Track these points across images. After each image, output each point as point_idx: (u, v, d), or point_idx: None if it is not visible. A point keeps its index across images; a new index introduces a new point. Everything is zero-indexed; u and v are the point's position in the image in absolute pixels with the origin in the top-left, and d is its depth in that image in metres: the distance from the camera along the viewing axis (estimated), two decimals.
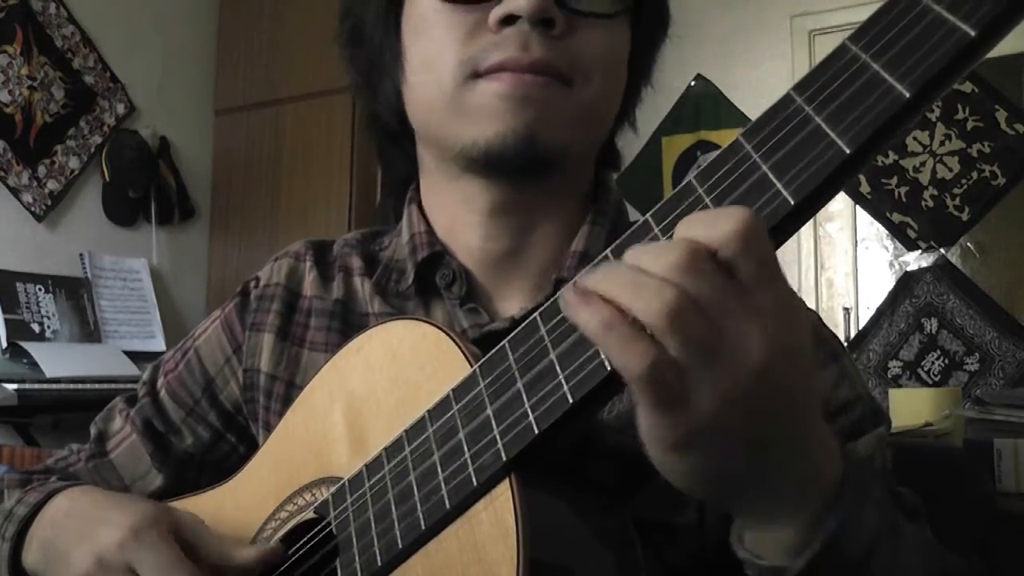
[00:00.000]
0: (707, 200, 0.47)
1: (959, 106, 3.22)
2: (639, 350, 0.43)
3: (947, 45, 0.43)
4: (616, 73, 0.74)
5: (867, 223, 3.39)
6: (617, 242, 0.50)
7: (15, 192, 3.03)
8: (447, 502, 0.55)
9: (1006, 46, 0.44)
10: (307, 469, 0.69)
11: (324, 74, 3.11)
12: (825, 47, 3.38)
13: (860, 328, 3.36)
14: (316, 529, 0.65)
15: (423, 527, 0.56)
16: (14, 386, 2.56)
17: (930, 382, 3.22)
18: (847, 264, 3.43)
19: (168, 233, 3.51)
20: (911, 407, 1.78)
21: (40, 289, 2.98)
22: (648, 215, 0.49)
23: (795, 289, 0.73)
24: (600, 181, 0.80)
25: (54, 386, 2.68)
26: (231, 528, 0.72)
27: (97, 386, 2.72)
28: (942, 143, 3.25)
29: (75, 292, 3.09)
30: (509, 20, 0.67)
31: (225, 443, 0.85)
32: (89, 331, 3.07)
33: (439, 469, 0.56)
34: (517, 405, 0.52)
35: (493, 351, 0.55)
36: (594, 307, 0.44)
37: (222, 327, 0.85)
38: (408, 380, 0.63)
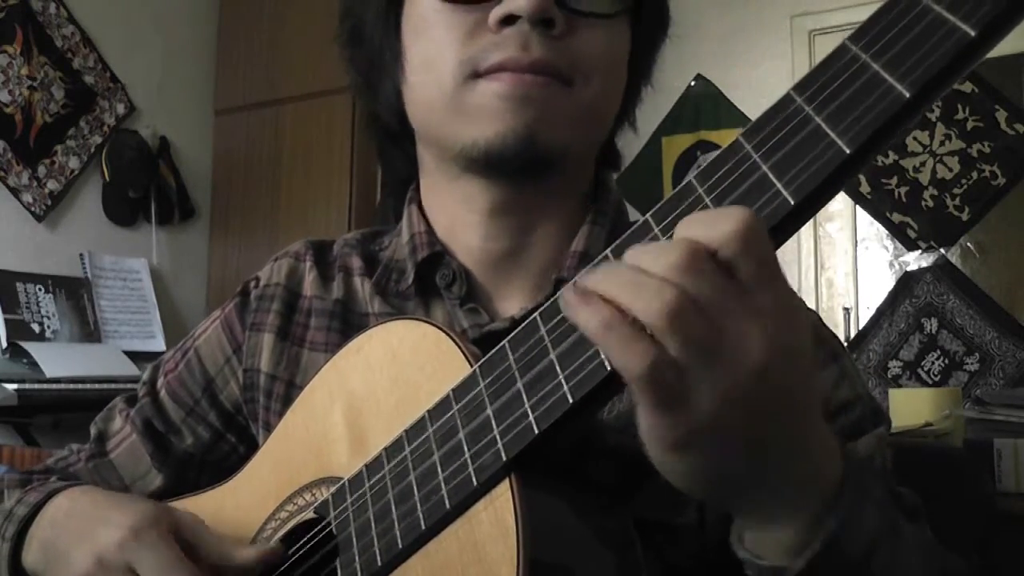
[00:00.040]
0: (707, 200, 0.47)
1: (959, 106, 3.22)
2: (639, 350, 0.43)
3: (947, 45, 0.43)
4: (616, 73, 0.74)
5: (867, 223, 3.39)
6: (617, 242, 0.50)
7: (15, 192, 3.03)
8: (447, 502, 0.55)
9: (1006, 46, 0.44)
10: (307, 469, 0.69)
11: (324, 74, 3.11)
12: (825, 47, 3.38)
13: (860, 328, 3.36)
14: (316, 529, 0.65)
15: (423, 527, 0.56)
16: (14, 386, 2.56)
17: (930, 382, 3.22)
18: (847, 264, 3.43)
19: (168, 233, 3.51)
20: (911, 407, 1.78)
21: (40, 289, 2.98)
22: (648, 215, 0.49)
23: (795, 289, 0.73)
24: (600, 181, 0.80)
25: (54, 386, 2.68)
26: (231, 528, 0.72)
27: (97, 386, 2.72)
28: (942, 143, 3.25)
29: (75, 292, 3.09)
30: (509, 20, 0.67)
31: (225, 443, 0.85)
32: (89, 331, 3.07)
33: (439, 469, 0.56)
34: (517, 405, 0.52)
35: (493, 351, 0.55)
36: (594, 307, 0.44)
37: (222, 327, 0.85)
38: (408, 380, 0.63)
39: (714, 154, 0.49)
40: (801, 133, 0.46)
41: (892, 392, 1.96)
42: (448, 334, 0.61)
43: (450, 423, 0.56)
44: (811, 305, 1.94)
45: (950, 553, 0.57)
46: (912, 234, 3.30)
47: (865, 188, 3.35)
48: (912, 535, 0.53)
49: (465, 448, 0.55)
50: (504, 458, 0.52)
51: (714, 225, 0.43)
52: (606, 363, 0.47)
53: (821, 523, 0.48)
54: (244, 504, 0.74)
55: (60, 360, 2.78)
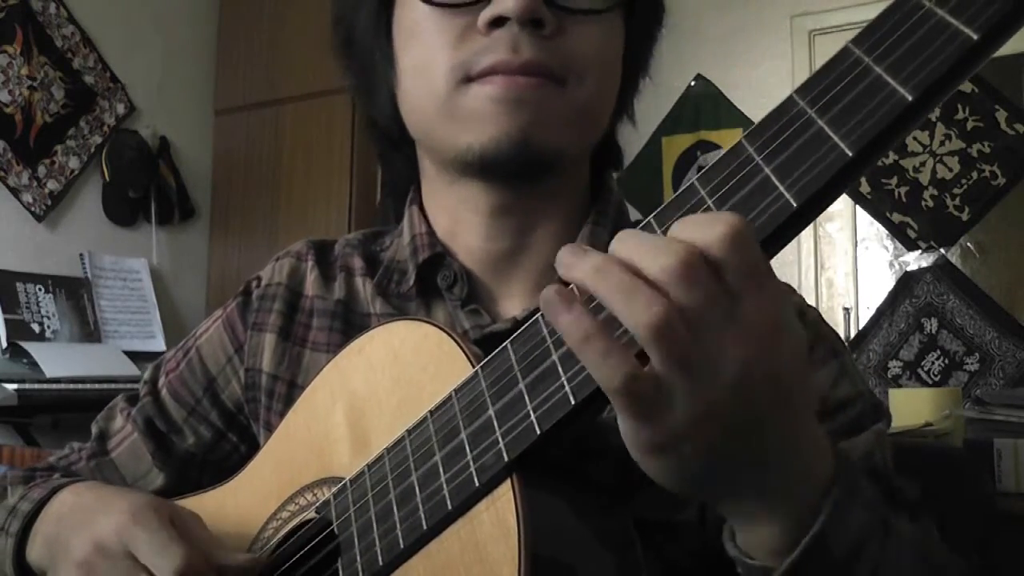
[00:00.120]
0: (709, 202, 0.47)
1: (959, 106, 3.22)
2: (615, 364, 0.43)
3: (950, 49, 0.43)
4: (610, 70, 0.73)
5: (867, 223, 3.40)
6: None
7: (15, 192, 3.03)
8: (449, 502, 0.55)
9: (1006, 47, 0.44)
10: (309, 469, 0.69)
11: (324, 74, 3.11)
12: (825, 47, 3.39)
13: (860, 328, 3.36)
14: (317, 529, 0.65)
15: (425, 527, 0.56)
16: (14, 386, 2.56)
17: (930, 382, 3.22)
18: (847, 264, 3.43)
19: (168, 233, 3.51)
20: (911, 407, 1.78)
21: (40, 289, 2.99)
22: (650, 217, 0.49)
23: (795, 289, 0.73)
24: (601, 181, 0.80)
25: (54, 386, 2.68)
26: (233, 527, 0.72)
27: (97, 386, 2.72)
28: (942, 143, 3.26)
29: (75, 292, 3.09)
30: (498, 22, 0.67)
31: (226, 443, 0.85)
32: (89, 331, 3.07)
33: (441, 469, 0.56)
34: (519, 406, 0.52)
35: (495, 352, 0.55)
36: (574, 315, 0.44)
37: (224, 327, 0.85)
38: (410, 380, 0.63)
39: (714, 154, 0.49)
40: (804, 136, 0.46)
41: (892, 392, 1.97)
42: (450, 334, 0.61)
43: (452, 423, 0.56)
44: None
45: (951, 553, 0.57)
46: (912, 234, 3.30)
47: (865, 188, 3.36)
48: (909, 534, 0.53)
49: (467, 448, 0.55)
50: (506, 458, 0.52)
51: (706, 228, 0.43)
52: None
53: (806, 525, 0.48)
54: (246, 504, 0.74)
55: (60, 360, 2.78)
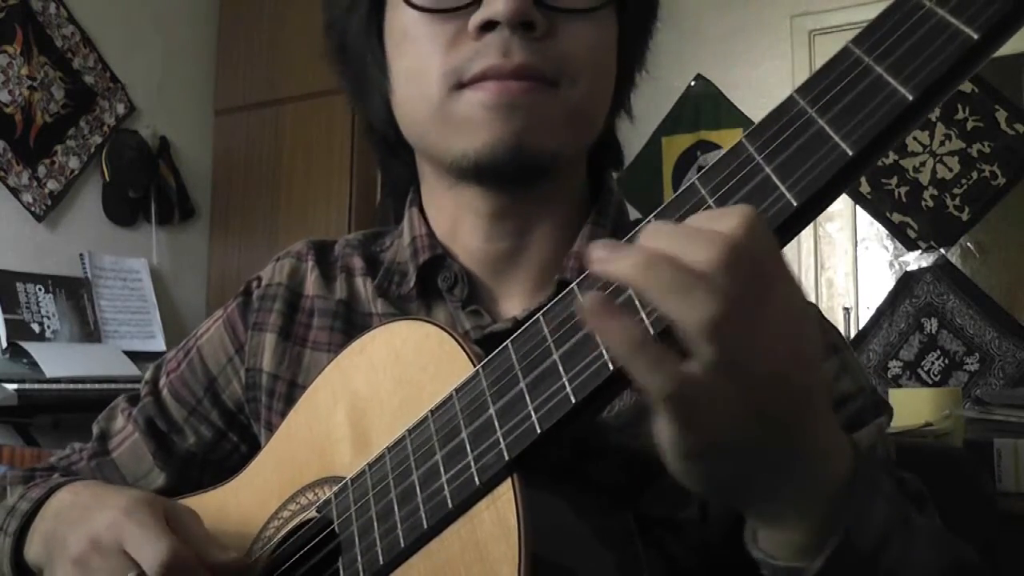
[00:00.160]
0: (710, 202, 0.47)
1: (959, 106, 3.22)
2: (668, 371, 0.42)
3: (951, 48, 0.43)
4: (604, 69, 0.73)
5: (867, 223, 3.40)
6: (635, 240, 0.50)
7: (15, 192, 3.03)
8: (450, 501, 0.55)
9: (1006, 46, 0.44)
10: (310, 468, 0.69)
11: (324, 74, 3.06)
12: (825, 47, 3.39)
13: (860, 328, 3.36)
14: (318, 528, 0.65)
15: (425, 526, 0.56)
16: (14, 386, 2.56)
17: (930, 382, 3.22)
18: (847, 264, 3.43)
19: (168, 233, 3.51)
20: (911, 407, 1.78)
21: (40, 289, 2.99)
22: (651, 217, 0.49)
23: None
24: (601, 181, 0.80)
25: (54, 386, 2.68)
26: (234, 527, 0.72)
27: (97, 386, 2.72)
28: (942, 143, 3.26)
29: (75, 292, 3.09)
30: (489, 26, 0.66)
31: (227, 442, 0.85)
32: (89, 331, 3.07)
33: (442, 469, 0.56)
34: (520, 405, 0.52)
35: (496, 351, 0.55)
36: (623, 323, 0.43)
37: (224, 327, 0.85)
38: (411, 380, 0.63)
39: (714, 154, 0.49)
40: (804, 135, 0.46)
41: (892, 392, 1.97)
42: (451, 334, 0.61)
43: (453, 423, 0.57)
44: None
45: (960, 541, 0.57)
46: (912, 234, 3.30)
47: (865, 188, 3.36)
48: (924, 527, 0.53)
49: (468, 448, 0.55)
50: (506, 458, 0.52)
51: (726, 220, 0.43)
52: (609, 364, 0.47)
53: (833, 522, 0.48)
54: (247, 503, 0.74)
55: (60, 360, 2.78)
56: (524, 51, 0.66)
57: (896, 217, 3.32)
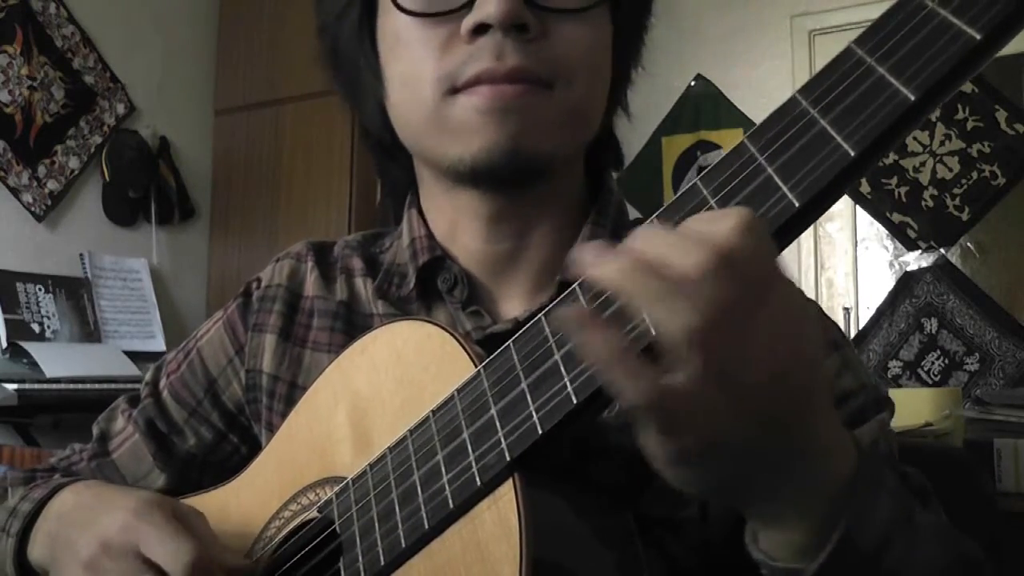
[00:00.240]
0: (712, 202, 0.47)
1: (959, 106, 3.22)
2: (647, 383, 0.41)
3: (953, 49, 0.43)
4: (599, 69, 0.72)
5: (867, 223, 3.40)
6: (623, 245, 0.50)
7: (15, 192, 3.03)
8: (451, 502, 0.55)
9: (1006, 47, 0.44)
10: (311, 469, 0.69)
11: (324, 74, 3.10)
12: (825, 47, 3.38)
13: (860, 328, 3.36)
14: (319, 528, 0.66)
15: (427, 526, 0.56)
16: (14, 386, 2.56)
17: (930, 382, 3.22)
18: (847, 264, 3.44)
19: (168, 233, 3.51)
20: (911, 407, 1.78)
21: (40, 289, 2.99)
22: (653, 217, 0.49)
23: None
24: (601, 181, 0.80)
25: (54, 386, 2.68)
26: (235, 527, 0.72)
27: (97, 386, 2.72)
28: (942, 143, 3.26)
29: (75, 292, 3.09)
30: (481, 29, 0.66)
31: (228, 444, 0.85)
32: (89, 331, 3.07)
33: (443, 469, 0.56)
34: (522, 406, 0.52)
35: (497, 351, 0.55)
36: (600, 335, 0.42)
37: (224, 328, 0.85)
38: (413, 380, 0.63)
39: (714, 154, 0.49)
40: (806, 136, 0.46)
41: (892, 392, 1.97)
42: (452, 335, 0.61)
43: (454, 423, 0.57)
44: None
45: (963, 536, 0.57)
46: (912, 234, 3.30)
47: (865, 188, 3.36)
48: (928, 524, 0.52)
49: (469, 448, 0.55)
50: (508, 458, 0.52)
51: (719, 223, 0.42)
52: None
53: (834, 522, 0.47)
54: (248, 503, 0.74)
55: (60, 360, 2.78)
56: (517, 54, 0.66)
57: (896, 217, 3.32)
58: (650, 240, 0.43)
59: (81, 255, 3.18)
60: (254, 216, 3.54)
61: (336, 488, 0.65)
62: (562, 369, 0.50)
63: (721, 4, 3.56)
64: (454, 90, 0.68)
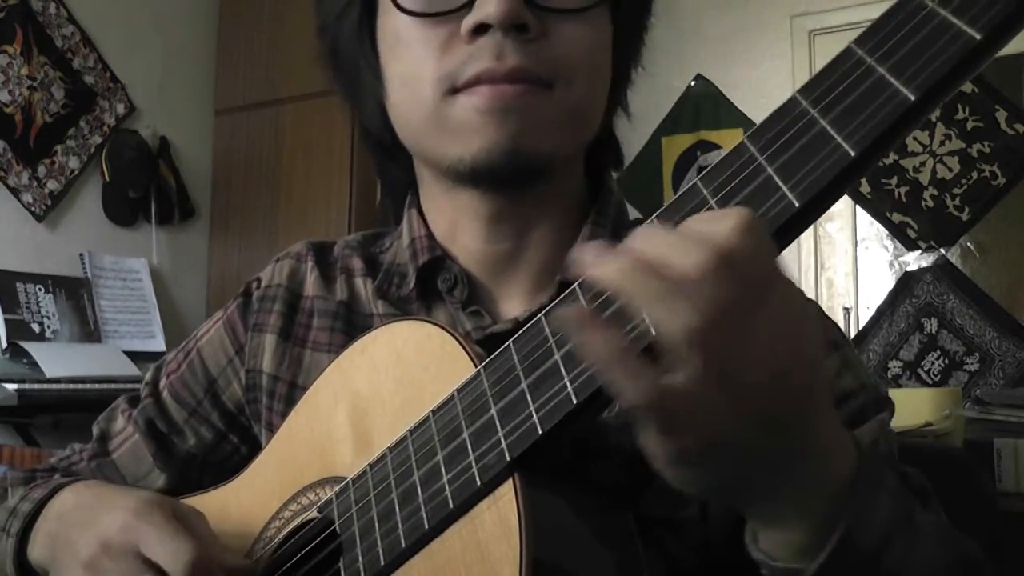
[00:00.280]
0: (712, 202, 0.47)
1: (959, 106, 3.22)
2: (646, 383, 0.41)
3: (953, 49, 0.43)
4: (599, 68, 0.72)
5: (867, 223, 3.40)
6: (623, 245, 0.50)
7: (15, 192, 3.03)
8: (451, 501, 0.55)
9: (1006, 46, 0.44)
10: (311, 469, 0.69)
11: (324, 74, 3.10)
12: (825, 47, 3.38)
13: (860, 328, 3.36)
14: (319, 528, 0.65)
15: (427, 526, 0.56)
16: (14, 386, 2.56)
17: (930, 382, 3.22)
18: (847, 264, 3.44)
19: (168, 233, 3.51)
20: (911, 407, 1.78)
21: (40, 289, 2.99)
22: (654, 217, 0.49)
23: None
24: (601, 181, 0.80)
25: (54, 386, 2.68)
26: (235, 527, 0.72)
27: (97, 386, 2.72)
28: (942, 143, 3.26)
29: (75, 292, 3.09)
30: (481, 29, 0.66)
31: (227, 444, 0.85)
32: (89, 331, 3.07)
33: (443, 469, 0.56)
34: (522, 406, 0.52)
35: (498, 351, 0.55)
36: (600, 335, 0.42)
37: (224, 328, 0.85)
38: (413, 380, 0.63)
39: (714, 154, 0.49)
40: (806, 136, 0.46)
41: (892, 392, 1.97)
42: (453, 335, 0.61)
43: (454, 423, 0.57)
44: None
45: (963, 536, 0.57)
46: (912, 234, 3.30)
47: (865, 188, 3.36)
48: (928, 524, 0.52)
49: (469, 448, 0.55)
50: (508, 458, 0.52)
51: (719, 223, 0.42)
52: None
53: (834, 522, 0.47)
54: (248, 503, 0.74)
55: (60, 360, 2.78)
56: (517, 54, 0.66)
57: (896, 217, 3.32)
58: (650, 240, 0.43)
59: (81, 255, 3.18)
60: (254, 216, 3.54)
61: (336, 488, 0.65)
62: (562, 369, 0.50)
63: (721, 4, 3.56)
64: (454, 90, 0.68)
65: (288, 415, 0.74)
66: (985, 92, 3.19)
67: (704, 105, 3.60)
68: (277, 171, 3.50)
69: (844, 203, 3.39)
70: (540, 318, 0.52)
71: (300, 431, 0.72)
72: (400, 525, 0.58)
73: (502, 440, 0.53)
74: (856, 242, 3.43)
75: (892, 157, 3.30)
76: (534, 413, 0.51)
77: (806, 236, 3.43)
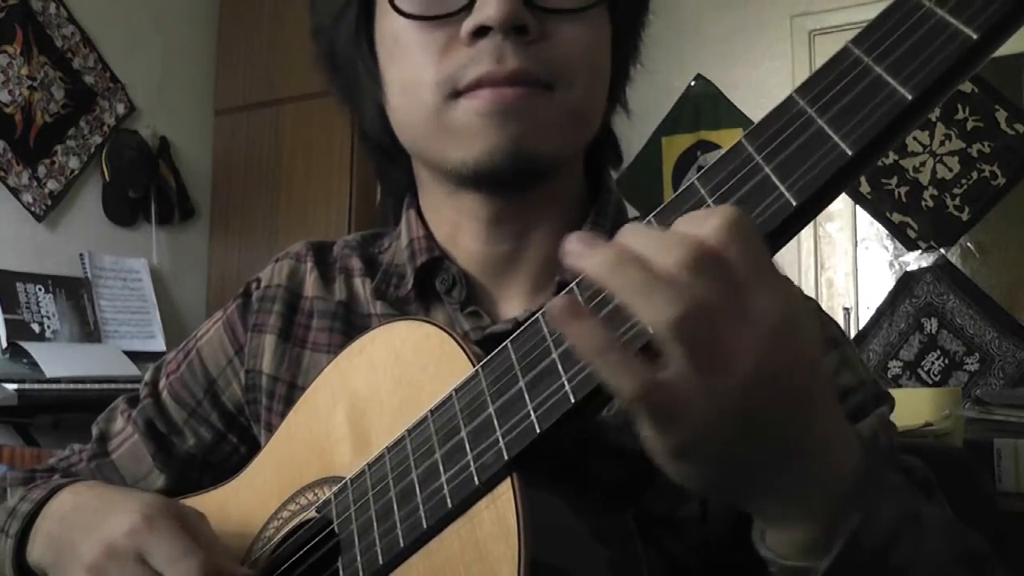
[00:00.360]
0: (709, 201, 0.47)
1: (959, 106, 3.22)
2: (634, 375, 0.42)
3: (950, 48, 0.43)
4: (598, 69, 0.72)
5: (867, 223, 3.40)
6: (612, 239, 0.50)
7: (15, 192, 3.03)
8: (449, 501, 0.55)
9: (1006, 46, 0.44)
10: (310, 469, 0.69)
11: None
12: (825, 47, 3.39)
13: (860, 328, 3.37)
14: (318, 528, 0.66)
15: (425, 526, 0.56)
16: (14, 386, 2.56)
17: (930, 382, 3.22)
18: (847, 264, 3.44)
19: (168, 233, 3.51)
20: (911, 407, 1.78)
21: (40, 289, 2.99)
22: (650, 216, 0.49)
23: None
24: (600, 180, 0.80)
25: (54, 386, 2.68)
26: (234, 527, 0.72)
27: (97, 386, 2.73)
28: (942, 143, 3.26)
29: (75, 292, 3.09)
30: (481, 32, 0.66)
31: (227, 444, 0.85)
32: (89, 331, 3.07)
33: (441, 468, 0.56)
34: (519, 405, 0.52)
35: (495, 351, 0.55)
36: (586, 327, 0.43)
37: (224, 328, 0.85)
38: (411, 380, 0.63)
39: (714, 154, 0.49)
40: (804, 135, 0.46)
41: (892, 392, 1.97)
42: (451, 334, 0.61)
43: (452, 422, 0.57)
44: None
45: (969, 529, 0.56)
46: (912, 234, 3.30)
47: (865, 188, 3.36)
48: (934, 518, 0.52)
49: (467, 447, 0.55)
50: (506, 457, 0.52)
51: (704, 221, 0.43)
52: None
53: (840, 522, 0.47)
54: (247, 503, 0.74)
55: (60, 360, 2.78)
56: (518, 56, 0.66)
57: (896, 217, 3.32)
58: (635, 235, 0.44)
59: (81, 255, 3.18)
60: (254, 216, 3.55)
61: (334, 488, 0.65)
62: (560, 368, 0.50)
63: (721, 4, 3.56)
64: (455, 94, 0.67)
65: (287, 415, 0.74)
66: (985, 92, 3.19)
67: (704, 105, 3.60)
68: (277, 171, 3.50)
69: (844, 203, 3.39)
70: (538, 317, 0.52)
71: (299, 431, 0.72)
72: (398, 524, 0.58)
73: (500, 439, 0.53)
74: (856, 242, 3.43)
75: (892, 157, 3.30)
76: (532, 412, 0.51)
77: (806, 236, 3.43)
